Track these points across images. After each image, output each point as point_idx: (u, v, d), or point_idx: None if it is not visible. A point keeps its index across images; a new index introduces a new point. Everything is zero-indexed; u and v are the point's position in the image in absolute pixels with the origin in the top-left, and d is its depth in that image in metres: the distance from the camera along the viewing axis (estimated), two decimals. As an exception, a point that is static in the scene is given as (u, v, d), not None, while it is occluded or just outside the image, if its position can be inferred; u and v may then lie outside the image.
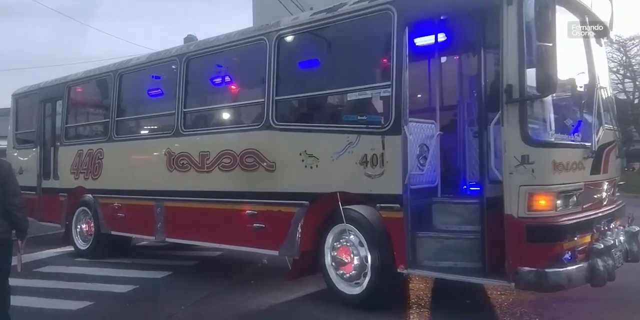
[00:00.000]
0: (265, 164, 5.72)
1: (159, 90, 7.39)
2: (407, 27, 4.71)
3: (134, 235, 7.87)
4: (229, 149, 6.08)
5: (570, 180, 4.30)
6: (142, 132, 7.77)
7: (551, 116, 4.35)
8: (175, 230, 6.88)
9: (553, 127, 4.35)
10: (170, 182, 6.82)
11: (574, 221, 4.22)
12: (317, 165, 5.26)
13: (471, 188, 5.19)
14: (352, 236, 5.05)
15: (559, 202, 4.18)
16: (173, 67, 6.84)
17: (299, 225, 5.36)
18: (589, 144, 4.49)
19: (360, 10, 5.07)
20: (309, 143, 5.36)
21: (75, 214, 8.35)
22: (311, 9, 5.91)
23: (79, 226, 8.34)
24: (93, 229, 7.99)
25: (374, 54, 5.28)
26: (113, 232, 7.70)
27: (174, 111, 6.77)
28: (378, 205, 4.84)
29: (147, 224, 7.18)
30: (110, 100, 7.76)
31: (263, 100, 5.80)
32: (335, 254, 5.17)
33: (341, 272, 5.13)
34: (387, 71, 4.81)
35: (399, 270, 4.72)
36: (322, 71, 5.66)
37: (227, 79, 6.49)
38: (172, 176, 6.77)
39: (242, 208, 6.00)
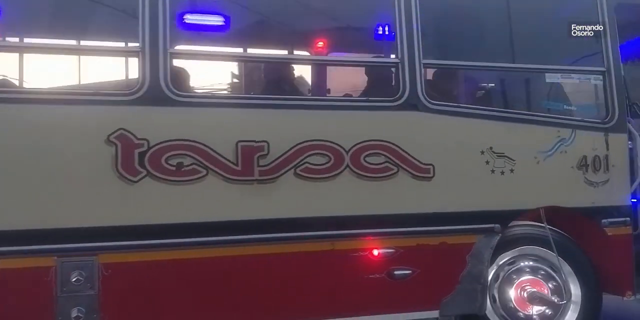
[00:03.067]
0: (411, 167, 3.40)
1: None
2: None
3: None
4: (323, 138, 3.26)
5: None
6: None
7: None
8: (140, 316, 2.97)
9: None
10: (124, 207, 2.95)
11: None
12: (511, 170, 3.58)
13: None
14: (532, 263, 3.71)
15: None
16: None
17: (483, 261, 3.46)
18: None
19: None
20: (497, 137, 3.59)
21: None
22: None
23: None
24: None
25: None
26: None
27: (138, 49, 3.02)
28: (604, 220, 3.76)
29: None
30: None
31: (397, 61, 3.47)
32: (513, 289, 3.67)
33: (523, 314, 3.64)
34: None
35: (625, 298, 3.79)
36: (508, 34, 3.85)
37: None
38: (137, 192, 2.96)
39: (360, 246, 3.32)
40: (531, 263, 3.75)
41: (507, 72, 4.06)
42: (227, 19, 3.26)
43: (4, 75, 3.05)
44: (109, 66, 3.25)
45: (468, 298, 3.50)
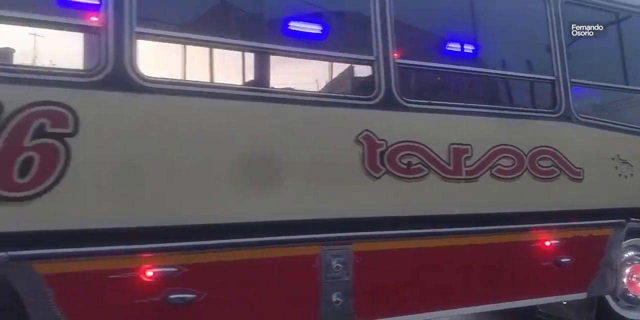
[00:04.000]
0: (569, 170, 3.95)
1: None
2: None
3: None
4: (510, 143, 3.73)
5: None
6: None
7: None
8: (379, 301, 3.24)
9: None
10: (369, 201, 3.23)
11: None
12: (631, 175, 4.26)
13: None
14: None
15: None
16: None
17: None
18: None
19: None
20: (622, 146, 4.24)
21: None
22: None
23: None
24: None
25: None
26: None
27: (372, 57, 3.32)
28: None
29: (292, 302, 3.02)
30: None
31: (554, 78, 4.02)
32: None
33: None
34: None
35: None
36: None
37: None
38: (378, 188, 3.25)
39: (535, 238, 3.82)
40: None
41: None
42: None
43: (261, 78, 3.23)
44: (351, 73, 3.54)
45: (605, 282, 4.12)
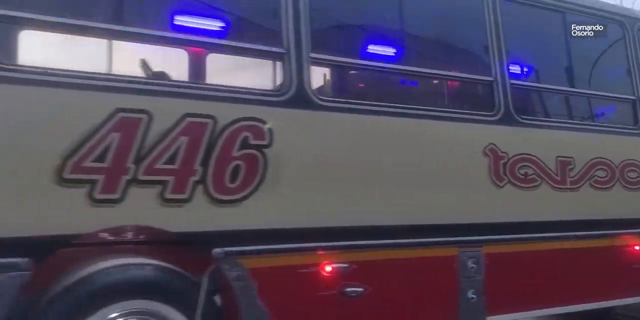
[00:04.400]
0: (650, 181, 4.38)
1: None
2: None
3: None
4: (603, 156, 4.13)
5: None
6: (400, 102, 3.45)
7: None
8: (506, 298, 3.59)
9: None
10: (495, 208, 3.60)
11: None
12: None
13: None
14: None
15: None
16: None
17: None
18: None
19: None
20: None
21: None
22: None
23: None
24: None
25: None
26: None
27: (491, 78, 3.73)
28: None
29: (436, 298, 3.37)
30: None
31: (635, 98, 4.45)
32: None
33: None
34: None
35: None
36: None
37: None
38: (502, 196, 3.63)
39: (626, 242, 4.22)
40: None
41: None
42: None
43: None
44: (475, 92, 3.95)
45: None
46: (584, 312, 4.22)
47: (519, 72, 3.96)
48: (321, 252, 3.02)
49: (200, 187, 2.71)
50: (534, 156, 3.82)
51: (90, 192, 2.48)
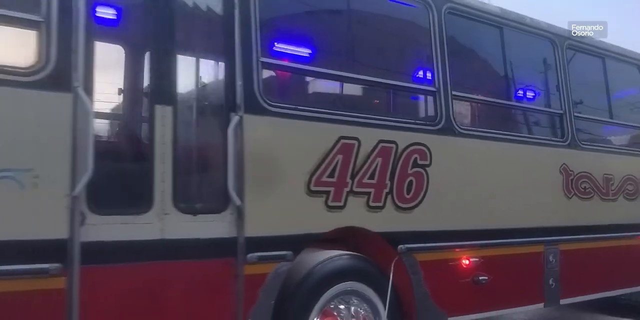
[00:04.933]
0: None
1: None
2: None
3: (504, 310, 4.03)
4: (632, 174, 5.22)
5: None
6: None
7: None
8: (574, 285, 4.57)
9: None
10: (567, 215, 4.59)
11: None
12: None
13: None
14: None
15: None
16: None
17: None
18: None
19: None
20: None
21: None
22: None
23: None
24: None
25: None
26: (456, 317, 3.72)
27: (561, 111, 4.72)
28: None
29: (530, 284, 4.31)
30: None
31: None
32: None
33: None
34: None
35: None
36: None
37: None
38: (571, 205, 4.61)
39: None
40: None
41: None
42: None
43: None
44: (551, 122, 4.89)
45: None
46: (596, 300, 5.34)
47: (581, 107, 5.00)
48: (464, 249, 3.89)
49: (389, 197, 3.51)
50: (590, 173, 4.85)
51: (326, 201, 3.22)
